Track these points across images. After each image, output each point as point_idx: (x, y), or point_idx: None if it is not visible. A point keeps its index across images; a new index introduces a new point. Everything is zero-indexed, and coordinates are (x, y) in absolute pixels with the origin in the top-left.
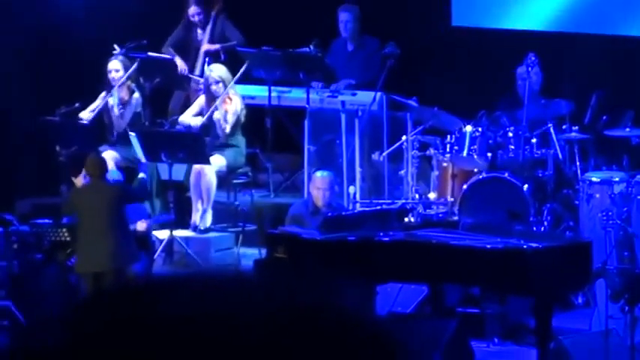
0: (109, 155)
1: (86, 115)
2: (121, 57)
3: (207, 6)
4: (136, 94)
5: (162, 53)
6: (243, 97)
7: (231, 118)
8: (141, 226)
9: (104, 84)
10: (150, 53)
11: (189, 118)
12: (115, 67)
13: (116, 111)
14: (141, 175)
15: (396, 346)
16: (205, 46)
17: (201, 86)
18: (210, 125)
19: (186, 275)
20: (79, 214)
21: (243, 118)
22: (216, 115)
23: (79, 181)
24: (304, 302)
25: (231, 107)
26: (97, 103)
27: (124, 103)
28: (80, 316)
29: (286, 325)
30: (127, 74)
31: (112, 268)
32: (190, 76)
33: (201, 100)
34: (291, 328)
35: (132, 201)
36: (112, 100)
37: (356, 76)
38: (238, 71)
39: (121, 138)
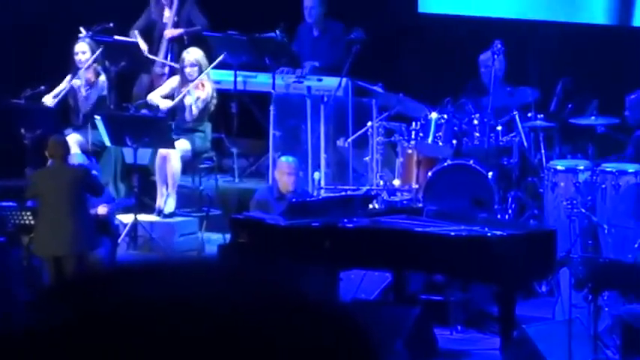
0: (74, 139)
1: (49, 100)
2: (87, 39)
3: None
4: (102, 77)
5: (128, 36)
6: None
7: (201, 104)
8: (102, 210)
9: (70, 67)
10: (116, 37)
11: (159, 99)
12: (82, 49)
13: (83, 92)
14: (93, 172)
15: (360, 329)
16: (169, 31)
17: (166, 70)
18: (178, 108)
19: (149, 261)
20: (40, 196)
21: (213, 107)
22: (188, 100)
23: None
24: (269, 285)
25: (202, 93)
26: (62, 87)
27: (90, 84)
28: (42, 306)
29: (252, 308)
30: (93, 57)
31: (72, 252)
32: (154, 58)
33: (173, 82)
34: (256, 312)
35: (89, 189)
36: (78, 82)
37: (321, 61)
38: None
39: (85, 121)
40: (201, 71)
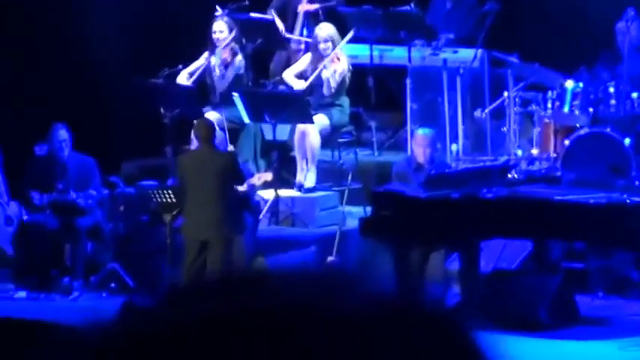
0: (212, 117)
1: (184, 77)
2: (225, 18)
3: None
4: (239, 56)
5: (264, 14)
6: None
7: (338, 78)
8: (242, 187)
9: (207, 45)
10: (251, 14)
11: (293, 79)
12: (220, 27)
13: (217, 72)
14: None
15: (469, 336)
16: (304, 6)
17: (302, 46)
18: (315, 84)
19: (274, 270)
20: (188, 178)
21: (348, 80)
22: (325, 74)
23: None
24: (383, 294)
25: (339, 67)
26: (199, 64)
27: (226, 64)
28: (178, 306)
29: (367, 315)
30: (230, 36)
31: (219, 237)
32: (290, 36)
33: (306, 59)
34: (372, 319)
35: (234, 176)
36: (214, 60)
37: (454, 32)
38: (338, 32)
39: (223, 99)
40: (334, 46)
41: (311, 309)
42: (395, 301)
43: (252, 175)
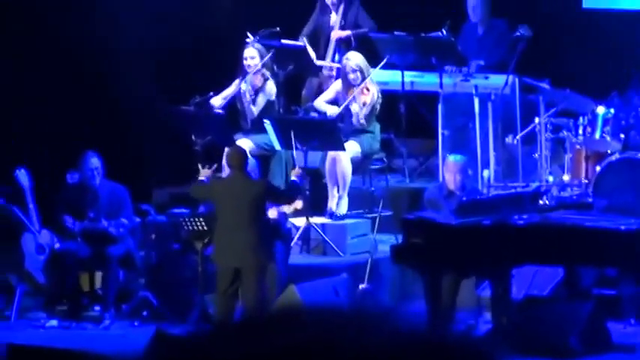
0: (243, 143)
1: (218, 102)
2: (257, 44)
3: None
4: (270, 82)
5: (295, 41)
6: (377, 83)
7: (367, 110)
8: (272, 213)
9: (238, 71)
10: (283, 41)
11: (324, 105)
12: (251, 54)
13: (248, 97)
14: (293, 177)
15: None
16: (337, 33)
17: (333, 73)
18: (345, 113)
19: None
20: (218, 205)
21: (378, 107)
22: (354, 108)
23: (205, 172)
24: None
25: (368, 98)
26: (230, 90)
27: (256, 90)
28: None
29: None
30: (262, 62)
31: (252, 264)
32: (321, 62)
33: (337, 85)
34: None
35: (278, 200)
36: (245, 87)
37: (486, 59)
38: (369, 58)
39: (254, 125)
40: (363, 75)
41: (341, 348)
42: (424, 339)
43: (301, 185)
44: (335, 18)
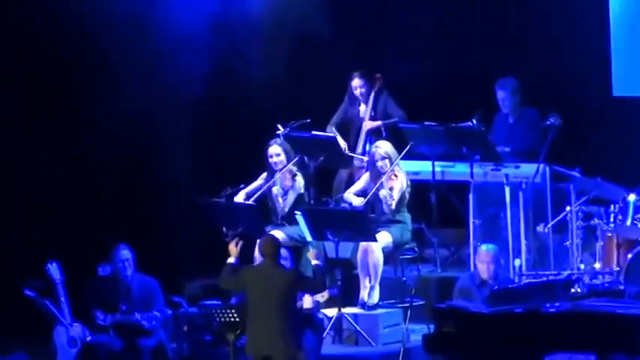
0: (276, 235)
1: (241, 198)
2: (279, 140)
3: (369, 82)
4: (299, 177)
5: (325, 131)
6: (407, 173)
7: (396, 195)
8: (307, 302)
9: (265, 165)
10: (314, 132)
11: (352, 196)
12: (276, 151)
13: (280, 201)
14: (314, 262)
15: None
16: (367, 124)
17: (364, 164)
18: (375, 201)
19: None
20: (250, 293)
21: (408, 195)
22: (382, 193)
23: (233, 250)
24: None
25: (397, 184)
26: (256, 184)
27: (286, 190)
28: None
29: None
30: (290, 163)
31: (282, 353)
32: (352, 154)
33: (366, 177)
34: None
35: (306, 289)
36: (276, 190)
37: (517, 146)
38: (400, 147)
39: (285, 220)
40: (391, 162)
41: None
42: None
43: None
44: (364, 109)
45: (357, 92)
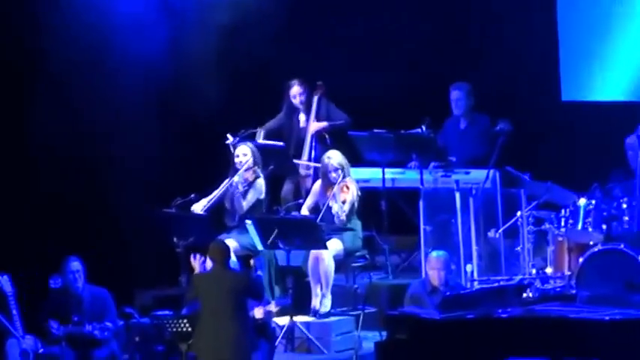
0: (228, 244)
1: (200, 207)
2: (249, 143)
3: (308, 89)
4: (261, 180)
5: (255, 133)
6: (357, 181)
7: (347, 208)
8: (258, 313)
9: (228, 170)
10: (261, 141)
11: (306, 211)
12: (244, 151)
13: (240, 188)
14: (259, 272)
15: None
16: (313, 125)
17: (310, 172)
18: (326, 210)
19: None
20: (202, 299)
21: (357, 204)
22: (335, 208)
23: (195, 265)
24: None
25: (348, 196)
26: (215, 194)
27: (249, 184)
28: None
29: None
30: (254, 159)
31: (234, 357)
32: (299, 162)
33: (316, 189)
34: None
35: (251, 294)
36: (237, 179)
37: (468, 153)
38: (346, 154)
39: (241, 222)
40: (344, 173)
41: None
42: None
43: (267, 301)
44: (304, 118)
45: (297, 100)
